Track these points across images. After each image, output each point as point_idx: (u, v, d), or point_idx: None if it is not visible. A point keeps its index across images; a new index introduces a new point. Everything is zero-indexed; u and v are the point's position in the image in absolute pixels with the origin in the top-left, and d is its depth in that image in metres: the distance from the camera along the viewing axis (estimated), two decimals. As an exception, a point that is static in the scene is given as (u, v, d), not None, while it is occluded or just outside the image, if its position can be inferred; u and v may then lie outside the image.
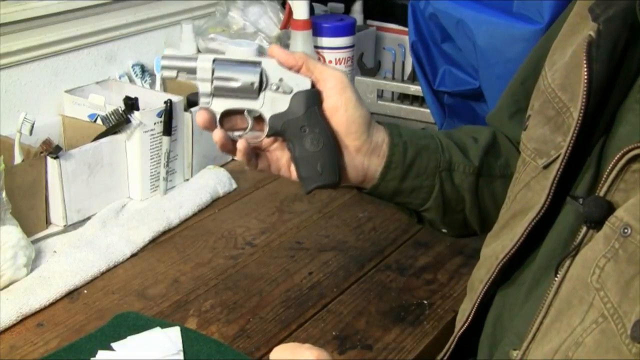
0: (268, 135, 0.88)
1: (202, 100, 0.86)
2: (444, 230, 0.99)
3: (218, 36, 1.58)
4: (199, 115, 0.86)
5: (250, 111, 0.87)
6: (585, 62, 0.73)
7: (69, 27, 1.39)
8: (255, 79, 0.86)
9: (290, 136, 0.86)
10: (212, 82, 0.86)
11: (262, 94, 0.86)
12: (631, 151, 0.66)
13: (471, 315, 0.84)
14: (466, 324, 0.85)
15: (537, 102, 0.85)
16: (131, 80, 1.49)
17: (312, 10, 1.61)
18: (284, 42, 1.61)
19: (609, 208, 0.67)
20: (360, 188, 0.94)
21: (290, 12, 1.55)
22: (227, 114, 0.87)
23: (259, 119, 0.88)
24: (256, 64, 0.86)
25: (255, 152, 0.89)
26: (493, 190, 0.95)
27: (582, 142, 0.75)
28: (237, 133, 0.88)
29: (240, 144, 0.86)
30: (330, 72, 0.88)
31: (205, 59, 0.86)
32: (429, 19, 1.30)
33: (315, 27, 1.58)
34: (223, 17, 1.62)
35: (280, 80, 0.86)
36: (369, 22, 1.79)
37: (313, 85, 0.87)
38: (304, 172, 0.87)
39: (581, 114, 0.73)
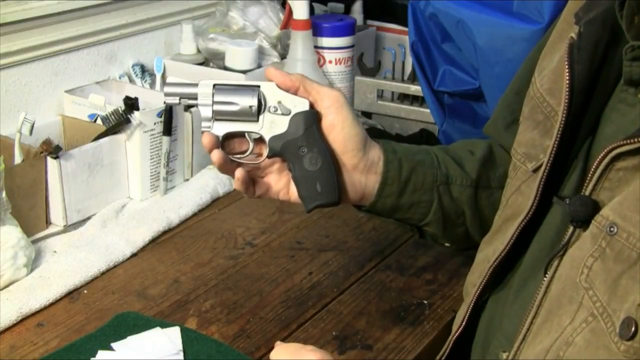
0: (268, 156, 0.89)
1: (204, 125, 0.88)
2: (447, 244, 1.01)
3: (218, 36, 1.58)
4: (205, 138, 0.87)
5: (250, 133, 0.89)
6: (567, 63, 0.75)
7: (69, 27, 1.39)
8: (253, 102, 0.88)
9: (290, 156, 0.88)
10: (212, 106, 0.88)
11: (261, 117, 0.88)
12: (615, 149, 0.66)
13: (465, 319, 0.85)
14: (460, 328, 0.86)
15: (527, 107, 0.86)
16: (131, 80, 1.49)
17: (312, 10, 1.61)
18: (284, 42, 1.61)
19: (595, 207, 0.68)
20: (359, 206, 0.95)
21: (290, 12, 1.55)
22: (228, 137, 0.89)
23: (259, 140, 0.89)
24: (254, 87, 0.88)
25: (252, 180, 0.90)
26: (493, 202, 0.95)
27: (568, 143, 0.76)
28: (237, 156, 0.89)
29: (239, 173, 0.88)
30: (326, 91, 0.90)
31: (206, 84, 0.88)
32: (429, 19, 1.30)
33: (315, 27, 1.58)
34: (223, 17, 1.61)
35: (279, 102, 0.88)
36: (369, 22, 1.79)
37: (311, 106, 0.89)
38: (304, 192, 0.89)
39: (564, 114, 0.74)
